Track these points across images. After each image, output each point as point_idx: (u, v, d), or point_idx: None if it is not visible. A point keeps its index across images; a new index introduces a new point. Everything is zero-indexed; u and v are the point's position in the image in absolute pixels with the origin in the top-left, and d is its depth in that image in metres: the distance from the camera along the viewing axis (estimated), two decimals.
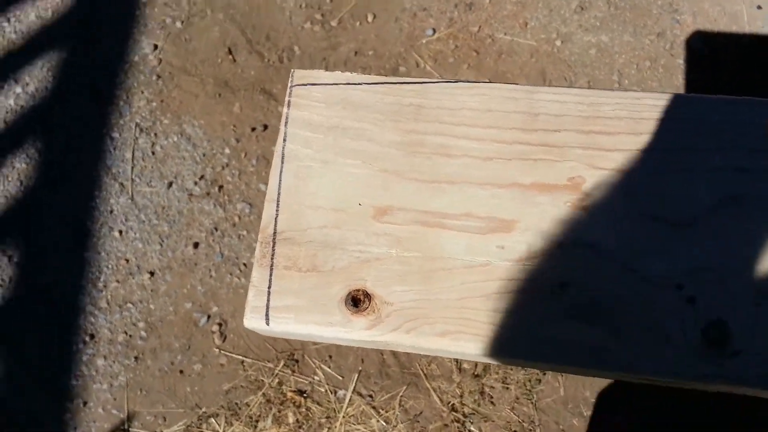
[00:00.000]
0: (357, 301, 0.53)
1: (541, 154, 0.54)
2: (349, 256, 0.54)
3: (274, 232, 0.55)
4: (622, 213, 0.51)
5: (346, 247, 0.54)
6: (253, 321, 0.54)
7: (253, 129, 1.64)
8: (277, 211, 0.56)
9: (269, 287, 0.54)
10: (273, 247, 0.55)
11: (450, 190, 0.54)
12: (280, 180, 0.57)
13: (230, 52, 1.70)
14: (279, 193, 0.56)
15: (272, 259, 0.55)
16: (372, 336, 0.52)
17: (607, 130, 0.54)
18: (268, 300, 0.54)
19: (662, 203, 0.51)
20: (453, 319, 0.51)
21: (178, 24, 1.73)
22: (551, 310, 0.50)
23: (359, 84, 0.57)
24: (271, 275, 0.54)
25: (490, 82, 0.55)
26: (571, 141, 0.54)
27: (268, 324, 0.53)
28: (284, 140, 0.58)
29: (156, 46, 1.73)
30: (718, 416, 1.39)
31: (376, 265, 0.53)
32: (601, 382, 1.44)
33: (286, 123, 0.58)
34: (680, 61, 1.66)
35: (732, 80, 1.62)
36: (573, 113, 0.55)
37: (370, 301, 0.53)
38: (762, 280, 0.49)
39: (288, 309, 0.53)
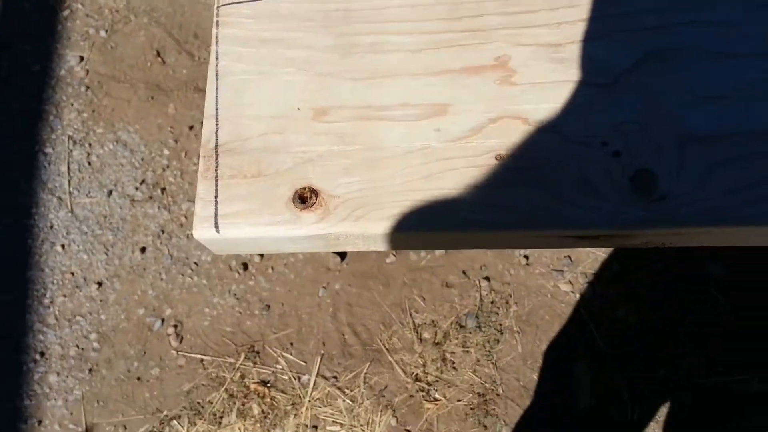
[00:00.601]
0: (304, 198, 0.54)
1: (467, 40, 0.57)
2: (292, 158, 0.55)
3: (216, 145, 0.56)
4: (546, 82, 0.54)
5: (289, 149, 0.56)
6: (202, 231, 0.54)
7: (191, 127, 1.64)
8: (216, 125, 0.57)
9: (216, 197, 0.55)
10: (216, 159, 0.56)
11: (385, 84, 0.57)
12: (217, 96, 0.58)
13: (159, 54, 1.70)
14: (217, 109, 0.58)
15: (216, 170, 0.56)
16: (322, 229, 0.53)
17: (527, 8, 0.57)
18: (216, 208, 0.54)
19: (584, 68, 0.54)
20: (399, 202, 0.53)
21: (102, 33, 1.72)
22: (491, 181, 0.53)
23: None
24: (216, 185, 0.55)
25: None
26: (494, 23, 0.57)
27: (218, 231, 0.54)
28: (216, 58, 0.59)
29: (82, 58, 1.71)
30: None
31: (320, 162, 0.55)
32: (556, 335, 1.48)
33: (217, 42, 0.59)
34: None
35: None
36: None
37: (316, 196, 0.54)
38: (683, 126, 0.52)
39: (237, 214, 0.54)
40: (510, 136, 0.54)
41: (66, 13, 1.71)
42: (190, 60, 1.69)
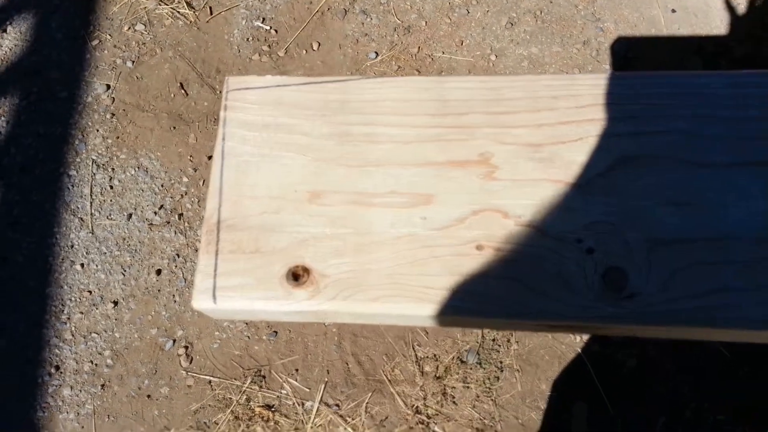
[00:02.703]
0: (297, 276, 0.59)
1: (453, 135, 0.61)
2: (288, 237, 0.60)
3: (218, 221, 0.61)
4: (526, 180, 0.58)
5: (284, 229, 0.60)
6: (201, 302, 0.59)
7: (209, 157, 1.70)
8: (220, 202, 0.62)
9: (215, 270, 0.60)
10: (218, 233, 0.61)
11: (376, 173, 0.61)
12: (222, 174, 0.63)
13: (182, 86, 1.77)
14: (221, 186, 0.62)
15: (217, 245, 0.60)
16: (312, 306, 0.58)
17: (509, 110, 0.61)
18: (215, 281, 0.59)
19: (562, 168, 0.58)
20: (385, 284, 0.57)
21: (129, 64, 1.79)
22: (471, 269, 0.57)
23: (288, 85, 0.64)
24: (216, 259, 0.60)
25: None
26: (479, 122, 0.61)
27: (215, 303, 0.59)
28: (223, 139, 0.64)
29: (108, 86, 1.78)
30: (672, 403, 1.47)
31: (313, 242, 0.59)
32: (556, 375, 1.51)
33: (224, 124, 0.64)
34: (606, 66, 1.77)
35: None
36: (478, 97, 0.62)
37: (308, 275, 0.59)
38: (653, 229, 0.56)
39: (233, 288, 0.59)
40: (491, 228, 0.58)
41: (95, 43, 1.79)
42: (211, 93, 1.75)
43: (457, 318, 0.57)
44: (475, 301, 0.56)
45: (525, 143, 0.60)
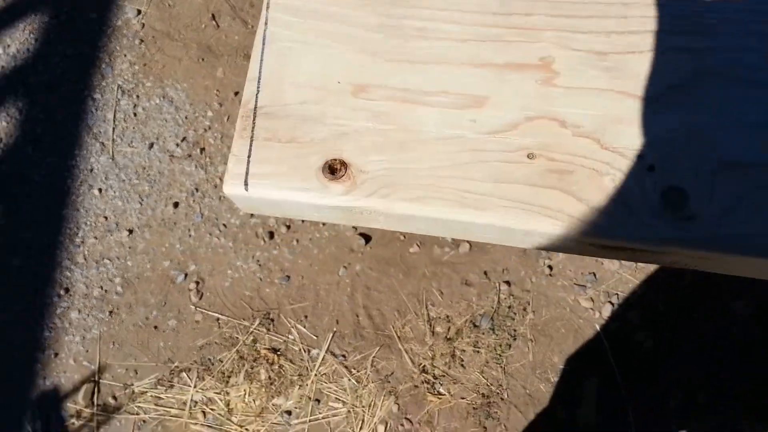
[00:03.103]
0: (333, 169, 0.55)
1: (514, 36, 0.57)
2: (327, 129, 0.56)
3: (255, 107, 0.58)
4: (589, 89, 0.54)
5: (325, 120, 0.57)
6: (232, 187, 0.56)
7: (236, 93, 1.66)
8: (258, 87, 0.58)
9: (249, 156, 0.56)
10: (254, 119, 0.57)
11: (426, 70, 0.57)
12: (262, 60, 0.59)
13: (214, 17, 1.73)
14: (260, 72, 0.59)
15: (252, 131, 0.57)
16: (347, 201, 0.54)
17: (578, 13, 0.57)
18: (248, 167, 0.56)
19: (628, 79, 0.54)
20: (425, 185, 0.54)
21: None
22: (520, 178, 0.53)
23: None
24: (251, 145, 0.57)
25: None
26: (542, 24, 0.57)
27: (246, 189, 0.55)
28: (265, 24, 0.60)
29: (139, 11, 1.75)
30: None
31: (354, 137, 0.56)
32: (570, 349, 1.47)
33: (267, 7, 0.60)
34: None
35: None
36: None
37: (346, 169, 0.55)
38: (720, 150, 0.52)
39: (267, 175, 0.55)
40: (545, 136, 0.54)
41: None
42: (243, 27, 1.71)
43: (496, 229, 0.53)
44: (523, 212, 0.52)
45: (590, 50, 0.55)
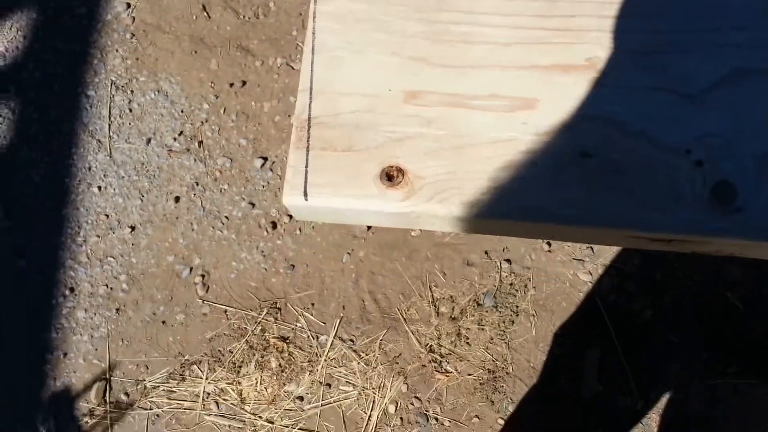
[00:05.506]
0: (391, 176, 0.57)
1: (559, 38, 0.59)
2: (382, 137, 0.58)
3: (309, 118, 0.60)
4: (636, 87, 0.57)
5: (378, 128, 0.59)
6: (292, 198, 0.58)
7: (231, 85, 1.66)
8: (310, 98, 0.60)
9: (306, 166, 0.58)
10: (308, 130, 0.59)
11: (474, 74, 0.59)
12: (312, 70, 0.61)
13: (205, 9, 1.72)
14: (311, 83, 0.61)
15: (308, 141, 0.59)
16: (407, 207, 0.57)
17: (621, 14, 0.60)
18: (306, 177, 0.58)
19: (674, 77, 0.57)
20: (482, 188, 0.56)
21: None
22: (574, 177, 0.56)
23: None
24: (308, 156, 0.59)
25: None
26: (587, 25, 0.59)
27: (306, 199, 0.57)
28: (313, 34, 0.62)
29: (129, 5, 1.73)
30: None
31: (408, 143, 0.58)
32: (571, 322, 1.53)
33: (314, 17, 0.62)
34: None
35: None
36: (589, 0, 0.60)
37: (403, 175, 0.57)
38: (766, 142, 0.55)
39: (325, 185, 0.57)
40: (596, 135, 0.57)
41: None
42: (235, 17, 1.70)
43: (557, 227, 0.56)
44: (579, 210, 0.55)
45: (635, 50, 0.58)
